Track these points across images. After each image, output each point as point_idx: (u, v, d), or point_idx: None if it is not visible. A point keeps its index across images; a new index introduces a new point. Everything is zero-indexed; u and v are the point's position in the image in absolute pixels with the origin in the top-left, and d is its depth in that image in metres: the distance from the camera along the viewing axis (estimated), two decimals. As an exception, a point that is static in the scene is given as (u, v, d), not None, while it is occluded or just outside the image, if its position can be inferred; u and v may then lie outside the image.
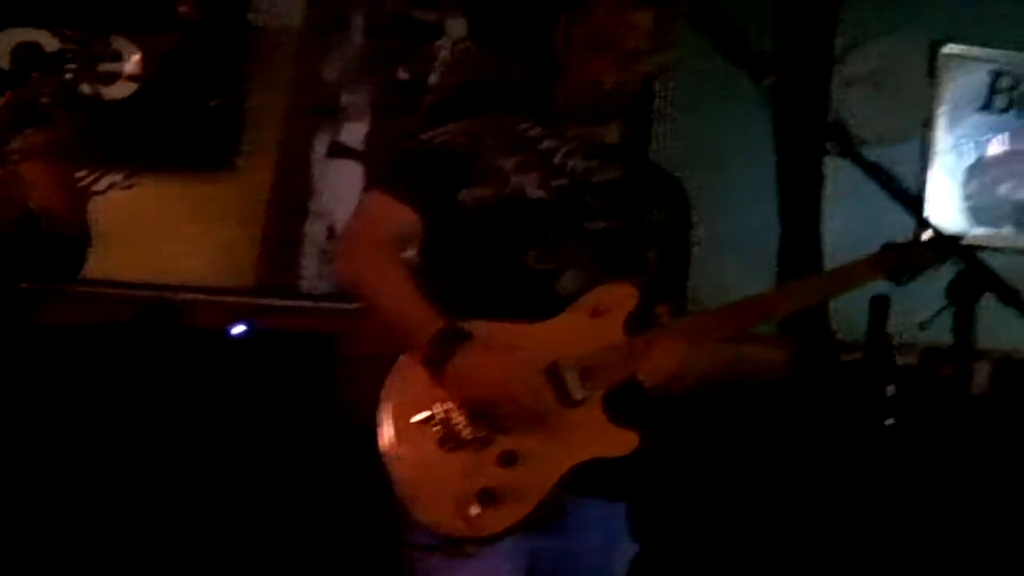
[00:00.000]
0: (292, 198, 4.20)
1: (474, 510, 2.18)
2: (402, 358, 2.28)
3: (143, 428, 3.59)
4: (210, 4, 4.10)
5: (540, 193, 2.37)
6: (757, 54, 2.26)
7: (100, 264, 3.66)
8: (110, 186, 3.94)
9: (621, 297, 2.32)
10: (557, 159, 2.42)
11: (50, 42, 3.74)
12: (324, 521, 3.65)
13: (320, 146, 4.22)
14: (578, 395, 2.24)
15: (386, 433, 2.23)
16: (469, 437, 2.21)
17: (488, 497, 2.19)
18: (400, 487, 2.21)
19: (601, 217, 2.40)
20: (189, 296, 3.99)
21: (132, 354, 3.70)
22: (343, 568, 3.68)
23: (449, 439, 2.21)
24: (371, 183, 2.52)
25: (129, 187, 3.97)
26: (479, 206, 2.36)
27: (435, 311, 2.27)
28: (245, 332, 3.84)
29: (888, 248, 2.39)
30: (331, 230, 4.19)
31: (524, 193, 2.37)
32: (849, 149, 2.23)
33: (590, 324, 2.30)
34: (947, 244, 2.19)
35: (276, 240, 4.19)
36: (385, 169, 2.53)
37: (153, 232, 4.05)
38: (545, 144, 2.44)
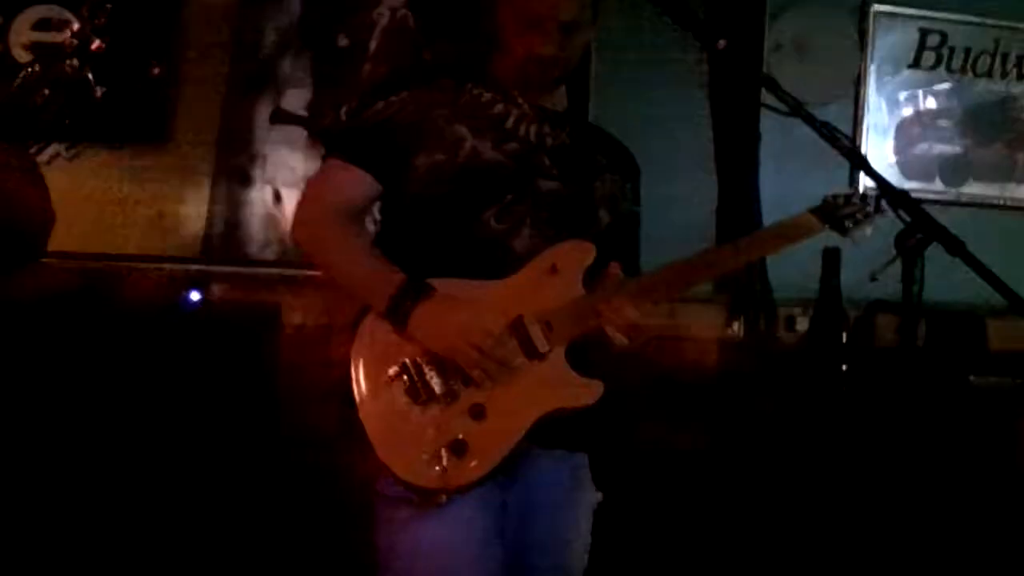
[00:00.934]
0: (235, 165, 4.20)
1: (446, 461, 2.24)
2: (367, 317, 2.33)
3: (91, 399, 3.57)
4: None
5: (493, 155, 2.42)
6: (704, 20, 2.32)
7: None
8: (55, 156, 3.93)
9: (578, 254, 2.39)
10: (509, 123, 2.48)
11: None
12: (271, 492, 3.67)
13: (262, 113, 4.21)
14: (543, 348, 2.31)
15: (357, 389, 2.28)
16: (439, 391, 2.28)
17: (459, 448, 2.25)
18: (374, 441, 2.26)
19: (554, 179, 2.46)
20: (134, 265, 3.98)
21: (79, 325, 3.68)
22: (305, 533, 3.71)
23: (420, 393, 2.28)
24: (327, 151, 2.55)
25: (73, 157, 3.96)
26: (435, 170, 2.41)
27: (393, 269, 2.33)
28: (197, 301, 3.84)
29: (830, 199, 2.45)
30: (276, 196, 4.20)
31: (479, 156, 2.42)
32: (787, 106, 2.29)
33: (550, 280, 2.36)
34: (884, 193, 2.24)
35: (220, 208, 4.19)
36: (340, 137, 2.58)
37: (96, 203, 4.04)
38: (497, 109, 2.48)
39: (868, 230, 2.40)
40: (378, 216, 2.56)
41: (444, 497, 2.25)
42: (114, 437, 3.54)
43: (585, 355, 2.38)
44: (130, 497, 3.54)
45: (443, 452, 2.25)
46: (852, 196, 2.43)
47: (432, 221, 2.42)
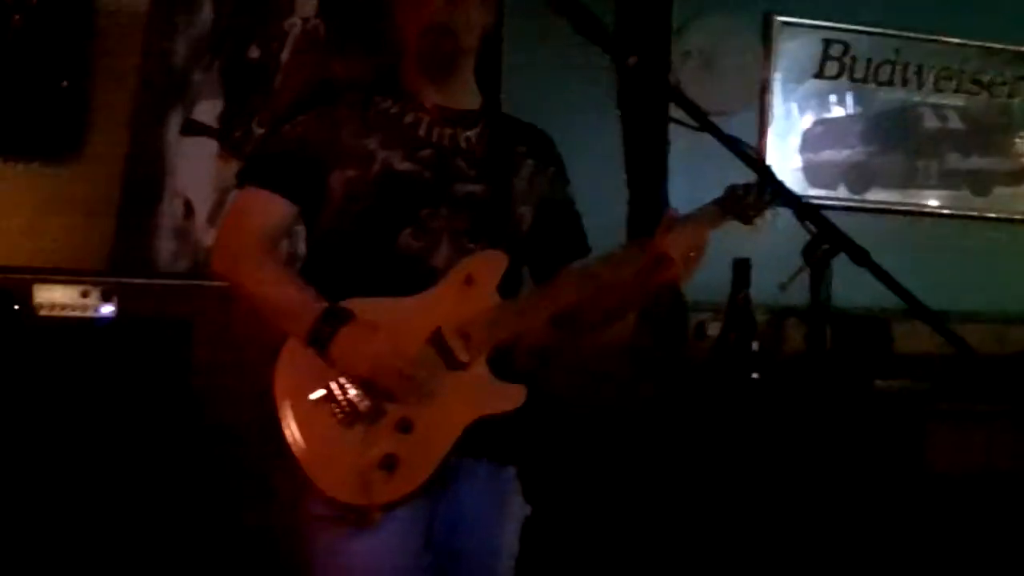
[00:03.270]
0: (146, 177, 4.16)
1: (378, 477, 2.26)
2: (288, 343, 2.35)
3: None
4: (53, -14, 4.02)
5: (407, 166, 2.44)
6: (614, 35, 2.36)
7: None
8: (-38, 171, 3.88)
9: (492, 263, 2.42)
10: (421, 131, 2.49)
11: None
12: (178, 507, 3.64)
13: (172, 125, 4.18)
14: (464, 357, 2.35)
15: (283, 415, 2.30)
16: (364, 410, 2.30)
17: (390, 464, 2.28)
18: (303, 462, 2.28)
19: (471, 181, 2.48)
20: (43, 277, 3.92)
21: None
22: (227, 551, 3.69)
23: (345, 413, 2.30)
24: (238, 180, 2.55)
25: (-18, 172, 3.91)
26: (349, 187, 2.42)
27: (314, 295, 2.35)
28: (108, 315, 3.80)
29: (732, 190, 2.48)
30: (188, 207, 4.18)
31: (392, 168, 2.43)
32: (692, 117, 2.33)
33: (465, 292, 2.39)
34: (791, 204, 2.27)
35: (131, 220, 4.15)
36: (251, 165, 2.57)
37: (5, 216, 3.98)
38: (407, 119, 2.50)
39: (769, 217, 2.45)
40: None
41: (379, 515, 2.27)
42: (22, 453, 3.48)
43: (508, 362, 2.42)
44: (39, 512, 3.49)
45: (375, 469, 2.27)
46: (753, 186, 2.46)
47: (352, 240, 2.44)
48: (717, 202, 2.47)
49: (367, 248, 2.42)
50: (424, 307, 2.37)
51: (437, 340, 2.35)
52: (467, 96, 2.58)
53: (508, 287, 2.46)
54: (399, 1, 2.51)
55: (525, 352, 2.53)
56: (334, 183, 2.43)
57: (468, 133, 2.53)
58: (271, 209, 2.45)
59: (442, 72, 2.52)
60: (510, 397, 2.39)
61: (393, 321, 2.33)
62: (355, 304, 2.34)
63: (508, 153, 2.57)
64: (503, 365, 2.41)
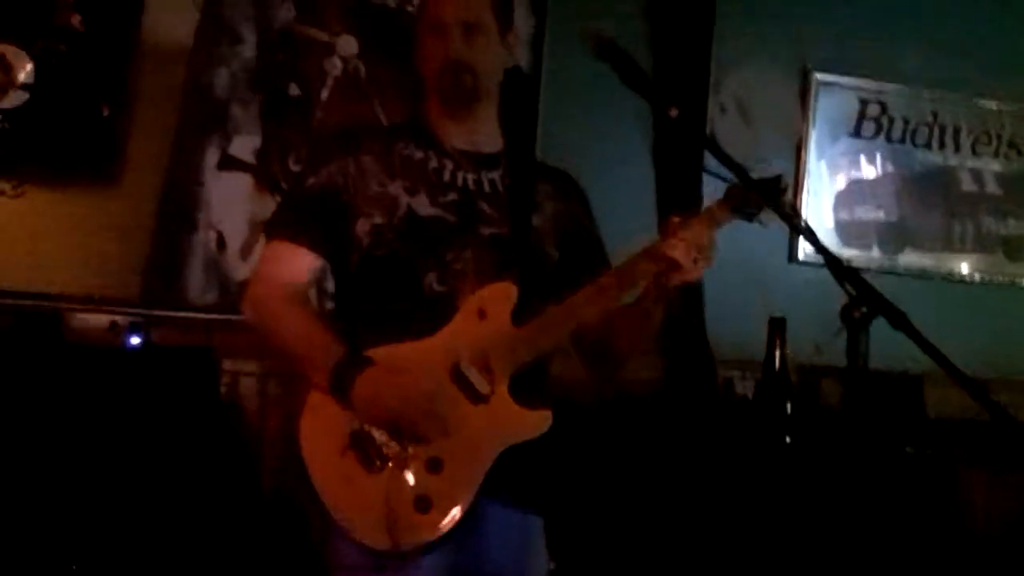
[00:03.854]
0: (180, 209, 4.18)
1: (414, 520, 2.26)
2: (311, 394, 2.36)
3: (25, 439, 3.53)
4: (99, 16, 4.05)
5: (432, 211, 2.47)
6: (657, 85, 2.37)
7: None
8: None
9: (502, 294, 2.42)
10: (446, 176, 2.52)
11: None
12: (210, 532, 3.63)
13: (210, 158, 4.21)
14: (485, 389, 2.35)
15: (310, 469, 2.31)
16: (392, 453, 2.30)
17: (424, 504, 2.28)
18: (336, 514, 2.29)
19: (495, 223, 2.49)
20: (74, 306, 3.95)
21: (14, 363, 3.64)
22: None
23: (373, 459, 2.30)
24: (266, 233, 2.60)
25: (19, 196, 3.94)
26: (376, 233, 2.45)
27: (335, 343, 2.37)
28: (137, 344, 3.81)
29: (734, 188, 2.45)
30: (220, 240, 4.19)
31: (417, 213, 2.46)
32: (727, 170, 2.34)
33: (479, 324, 2.40)
34: (829, 266, 2.24)
35: (162, 251, 4.17)
36: (277, 217, 2.60)
37: (39, 242, 4.01)
38: (431, 164, 2.52)
39: (772, 214, 2.44)
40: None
41: (420, 558, 2.27)
42: (46, 481, 3.49)
43: (530, 387, 2.41)
44: (65, 542, 3.48)
45: (409, 511, 2.27)
46: (749, 185, 2.43)
47: (379, 284, 2.46)
48: (719, 201, 2.47)
49: (394, 292, 2.44)
50: (440, 345, 2.38)
51: (457, 375, 2.35)
52: (490, 138, 2.61)
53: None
54: (420, 41, 2.54)
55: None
56: (360, 231, 2.46)
57: (491, 175, 2.55)
58: (297, 261, 2.49)
59: (463, 109, 2.54)
60: (535, 424, 2.38)
61: (411, 362, 2.34)
62: (373, 351, 2.36)
63: (531, 193, 2.59)
64: (525, 392, 2.40)
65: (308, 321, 2.46)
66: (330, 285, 2.64)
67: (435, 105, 2.55)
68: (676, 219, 2.41)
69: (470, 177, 2.53)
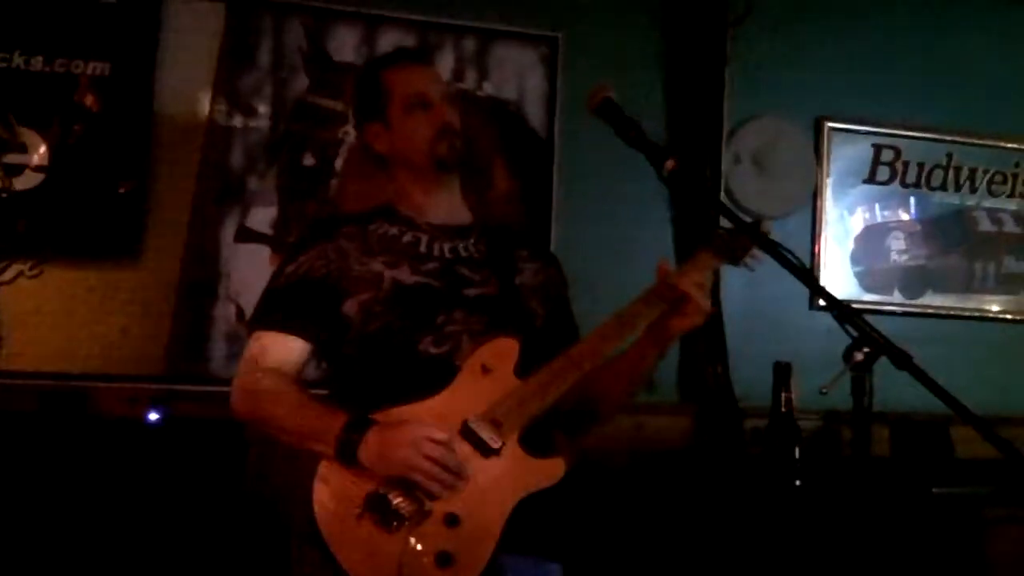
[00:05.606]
0: (200, 282, 4.22)
1: (436, 575, 2.26)
2: (321, 466, 2.36)
3: (54, 517, 3.55)
4: (114, 95, 4.12)
5: (416, 279, 2.52)
6: (654, 142, 2.39)
7: (5, 354, 3.67)
8: (17, 275, 3.94)
9: (504, 348, 2.45)
10: (422, 247, 2.58)
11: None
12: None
13: (228, 230, 4.25)
14: (495, 444, 2.35)
15: (329, 536, 2.31)
16: (407, 512, 2.29)
17: (445, 560, 2.28)
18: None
19: (479, 284, 2.55)
20: (97, 384, 3.98)
21: (40, 444, 3.66)
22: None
23: (391, 520, 2.29)
24: (249, 327, 2.62)
25: (36, 276, 3.97)
26: (364, 310, 2.49)
27: (335, 411, 2.38)
28: (160, 419, 3.83)
29: (717, 235, 2.51)
30: (239, 313, 4.22)
31: (402, 283, 2.51)
32: (734, 223, 2.38)
33: (484, 380, 2.41)
34: (832, 308, 2.24)
35: (184, 325, 4.20)
36: (259, 311, 2.63)
37: (60, 321, 4.04)
38: (406, 239, 2.58)
39: (760, 256, 2.46)
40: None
41: None
42: (72, 559, 3.49)
43: (541, 437, 2.42)
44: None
45: (432, 569, 2.27)
46: (732, 230, 2.49)
47: (375, 354, 2.49)
48: (705, 247, 2.50)
49: (391, 359, 2.47)
50: (446, 404, 2.39)
51: (467, 432, 2.35)
52: (460, 212, 2.69)
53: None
54: (400, 122, 2.62)
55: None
56: (349, 310, 2.51)
57: (466, 243, 2.62)
58: (285, 350, 2.52)
59: (451, 172, 2.63)
60: (549, 472, 2.38)
61: (418, 422, 2.35)
62: (378, 415, 2.37)
63: (509, 257, 2.64)
64: (537, 441, 2.41)
65: (302, 395, 2.47)
66: (311, 371, 2.63)
67: (406, 184, 2.64)
68: (666, 267, 2.46)
69: (446, 246, 2.60)
